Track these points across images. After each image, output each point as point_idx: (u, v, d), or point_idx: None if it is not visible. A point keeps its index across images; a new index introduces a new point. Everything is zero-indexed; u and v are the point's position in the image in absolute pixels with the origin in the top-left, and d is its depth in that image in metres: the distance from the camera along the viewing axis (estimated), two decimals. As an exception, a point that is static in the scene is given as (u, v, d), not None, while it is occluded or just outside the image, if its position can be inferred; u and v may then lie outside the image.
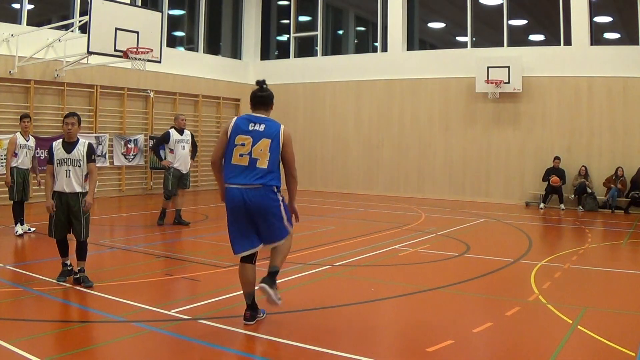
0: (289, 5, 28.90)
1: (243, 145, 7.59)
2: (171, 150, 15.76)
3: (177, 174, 15.80)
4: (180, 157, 15.81)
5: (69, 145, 9.40)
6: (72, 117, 9.42)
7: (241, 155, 7.52)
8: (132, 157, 23.39)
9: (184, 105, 25.64)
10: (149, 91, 23.98)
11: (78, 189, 9.35)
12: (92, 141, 21.43)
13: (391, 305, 8.92)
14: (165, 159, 15.86)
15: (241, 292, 7.75)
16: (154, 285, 9.65)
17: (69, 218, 9.36)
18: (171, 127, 16.00)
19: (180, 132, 15.95)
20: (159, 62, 20.04)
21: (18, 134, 14.08)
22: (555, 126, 22.37)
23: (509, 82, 22.53)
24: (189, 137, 16.20)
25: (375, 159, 25.58)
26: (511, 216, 18.91)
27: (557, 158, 21.54)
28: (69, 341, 6.91)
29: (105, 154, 22.31)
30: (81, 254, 9.45)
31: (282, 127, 8.02)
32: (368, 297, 9.12)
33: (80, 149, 9.42)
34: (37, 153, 17.67)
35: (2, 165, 16.06)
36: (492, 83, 22.66)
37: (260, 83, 8.38)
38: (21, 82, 19.73)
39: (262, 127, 7.85)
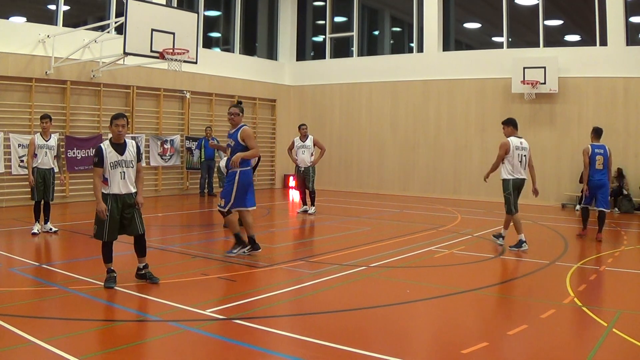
0: (325, 6, 28.95)
1: None
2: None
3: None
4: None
5: (120, 147, 9.38)
6: (122, 119, 9.37)
7: None
8: (169, 157, 23.54)
9: (219, 106, 25.77)
10: (185, 92, 24.13)
11: (132, 189, 9.45)
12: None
13: (426, 307, 8.93)
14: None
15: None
16: (189, 285, 9.72)
17: (122, 219, 9.39)
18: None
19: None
20: (195, 63, 20.17)
21: (37, 135, 14.20)
22: (591, 127, 22.07)
23: (544, 83, 22.40)
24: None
25: (411, 160, 25.54)
26: (547, 218, 18.80)
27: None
28: (103, 340, 7.02)
29: (142, 154, 22.43)
30: (141, 250, 9.67)
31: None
32: (403, 299, 9.14)
33: (131, 150, 9.47)
34: (73, 153, 17.91)
35: (25, 167, 16.17)
36: (528, 84, 22.54)
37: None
38: (57, 83, 19.95)
39: None
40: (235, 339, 7.05)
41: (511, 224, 13.69)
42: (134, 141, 9.63)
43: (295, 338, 7.17)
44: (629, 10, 21.83)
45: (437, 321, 8.31)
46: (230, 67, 26.57)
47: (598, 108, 22.08)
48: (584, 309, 8.43)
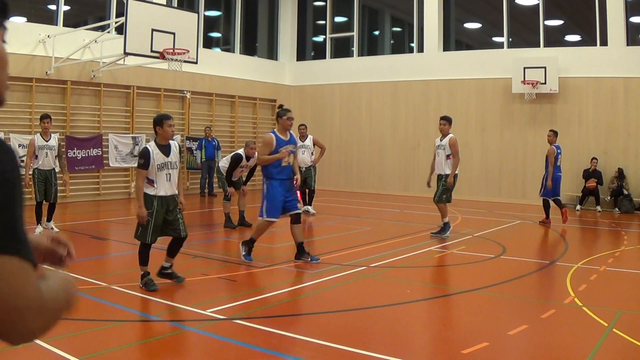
0: (325, 6, 28.95)
1: None
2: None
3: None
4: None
5: (165, 148, 9.37)
6: (172, 119, 9.43)
7: None
8: (169, 157, 23.52)
9: (220, 106, 25.80)
10: (185, 92, 24.13)
11: (176, 191, 9.49)
12: (128, 142, 21.70)
13: (426, 307, 8.95)
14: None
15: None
16: (190, 285, 9.73)
17: (165, 221, 9.36)
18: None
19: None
20: (196, 63, 20.18)
21: (37, 135, 14.11)
22: (591, 127, 22.21)
23: (545, 83, 22.40)
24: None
25: (411, 160, 25.54)
26: (547, 218, 18.81)
27: (594, 159, 21.38)
28: (104, 340, 7.02)
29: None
30: (175, 251, 9.63)
31: None
32: (404, 299, 9.15)
33: (175, 151, 9.49)
34: (73, 153, 17.86)
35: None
36: (528, 84, 22.55)
37: None
38: (58, 83, 19.95)
39: None
40: (236, 339, 7.06)
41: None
42: (175, 142, 9.62)
43: (296, 338, 7.18)
44: (630, 10, 21.82)
45: (438, 321, 8.33)
46: (230, 67, 26.57)
47: (598, 108, 22.09)
48: (585, 309, 8.43)
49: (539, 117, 23.11)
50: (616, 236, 16.18)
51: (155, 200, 9.19)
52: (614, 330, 7.46)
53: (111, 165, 21.50)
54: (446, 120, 15.13)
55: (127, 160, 21.86)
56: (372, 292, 9.92)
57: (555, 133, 17.90)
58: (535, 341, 7.17)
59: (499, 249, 13.43)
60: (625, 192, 20.91)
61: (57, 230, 14.27)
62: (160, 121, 9.26)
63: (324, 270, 10.81)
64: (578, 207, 21.42)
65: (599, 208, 20.88)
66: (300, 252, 11.62)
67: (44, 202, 14.05)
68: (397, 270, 11.34)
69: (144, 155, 9.13)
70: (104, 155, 21.11)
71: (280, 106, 12.83)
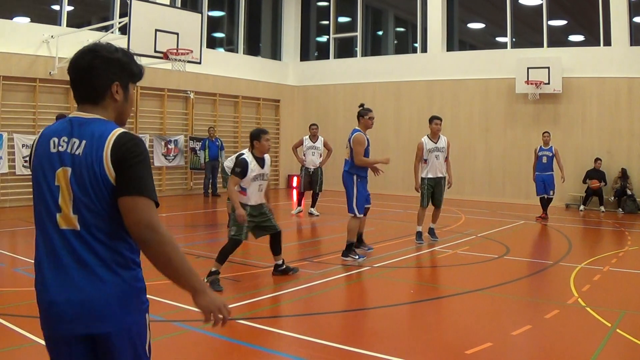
0: (329, 6, 28.95)
1: None
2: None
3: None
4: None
5: (261, 161, 9.90)
6: (269, 134, 10.18)
7: None
8: (173, 157, 23.56)
9: (223, 106, 25.82)
10: (189, 92, 24.14)
11: (264, 200, 10.06)
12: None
13: (430, 307, 8.95)
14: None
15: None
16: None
17: (257, 224, 9.91)
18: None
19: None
20: (199, 63, 20.16)
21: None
22: (595, 128, 22.19)
23: (548, 83, 22.38)
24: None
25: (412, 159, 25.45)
26: (551, 218, 18.77)
27: (598, 159, 21.35)
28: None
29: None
30: (278, 247, 10.20)
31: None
32: (407, 299, 9.17)
33: (268, 164, 10.06)
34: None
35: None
36: (532, 84, 22.53)
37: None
38: (61, 83, 19.91)
39: None
40: (239, 339, 7.06)
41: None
42: (268, 155, 10.13)
43: (300, 338, 7.19)
44: (633, 11, 21.81)
45: (441, 321, 8.33)
46: (234, 67, 26.58)
47: (602, 108, 22.06)
48: (588, 309, 8.43)
49: (542, 117, 23.09)
50: (620, 236, 16.15)
51: (245, 208, 9.64)
52: (618, 330, 7.46)
53: (114, 165, 21.46)
54: (441, 120, 15.04)
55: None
56: (375, 292, 9.93)
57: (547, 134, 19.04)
58: (539, 341, 7.17)
59: (503, 249, 13.43)
60: (629, 192, 20.88)
61: None
62: (258, 135, 9.88)
63: (328, 271, 10.82)
64: (582, 207, 21.40)
65: (602, 208, 20.86)
66: (359, 242, 12.57)
67: None
68: (401, 270, 11.35)
69: (242, 165, 9.65)
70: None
71: (361, 105, 13.60)
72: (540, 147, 18.92)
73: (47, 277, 3.13)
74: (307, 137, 18.71)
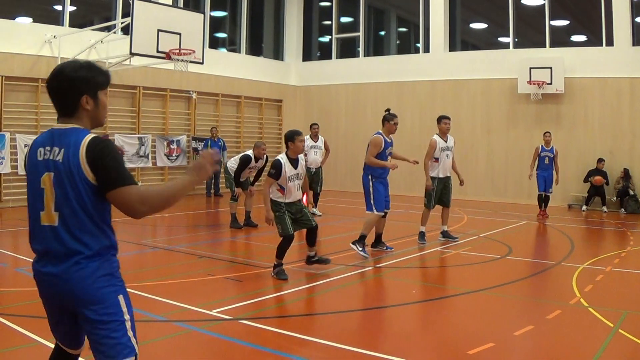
0: (331, 7, 28.95)
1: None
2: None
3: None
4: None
5: (295, 162, 10.34)
6: (303, 135, 10.54)
7: None
8: (175, 157, 23.56)
9: (226, 106, 25.84)
10: (191, 92, 24.15)
11: (300, 196, 10.63)
12: (134, 142, 21.70)
13: (432, 307, 8.95)
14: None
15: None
16: (195, 285, 9.75)
17: (296, 219, 10.40)
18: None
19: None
20: (202, 63, 20.15)
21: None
22: (597, 128, 22.18)
23: (551, 83, 22.38)
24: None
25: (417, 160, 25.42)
26: (553, 218, 18.79)
27: (601, 160, 21.34)
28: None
29: (148, 154, 22.50)
30: (313, 240, 10.76)
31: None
32: (409, 299, 9.16)
33: (302, 164, 10.52)
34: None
35: None
36: (534, 84, 22.53)
37: None
38: (64, 83, 19.89)
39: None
40: (242, 339, 7.07)
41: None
42: (302, 155, 10.55)
43: (302, 338, 7.18)
44: (635, 11, 21.79)
45: (443, 322, 8.32)
46: (236, 67, 26.59)
47: (604, 108, 22.05)
48: (590, 309, 8.43)
49: (544, 117, 23.08)
50: (622, 237, 16.13)
51: (284, 205, 10.23)
52: (620, 330, 7.45)
53: (117, 165, 21.44)
54: (450, 119, 15.01)
55: (133, 160, 21.87)
56: (377, 292, 9.94)
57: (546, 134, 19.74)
58: (541, 342, 7.16)
59: (505, 249, 13.42)
60: (631, 192, 20.87)
61: None
62: (292, 137, 10.28)
63: (330, 271, 10.82)
64: (584, 207, 21.39)
65: (604, 208, 20.85)
66: (378, 241, 13.10)
67: None
68: (403, 270, 11.35)
69: (277, 167, 10.09)
70: (110, 156, 21.04)
71: (387, 110, 13.63)
72: (542, 147, 19.28)
73: (38, 262, 3.84)
74: (308, 136, 18.65)
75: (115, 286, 3.89)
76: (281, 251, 10.26)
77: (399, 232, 15.64)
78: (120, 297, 3.91)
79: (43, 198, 3.75)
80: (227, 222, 16.13)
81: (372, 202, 12.41)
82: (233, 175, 15.63)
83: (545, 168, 19.27)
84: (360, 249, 12.17)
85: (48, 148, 3.80)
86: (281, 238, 10.28)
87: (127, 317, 3.96)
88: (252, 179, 16.33)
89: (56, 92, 4.02)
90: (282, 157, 10.24)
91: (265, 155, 15.66)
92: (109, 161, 3.67)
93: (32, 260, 3.88)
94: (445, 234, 14.47)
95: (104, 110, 4.09)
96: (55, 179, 3.70)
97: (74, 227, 3.72)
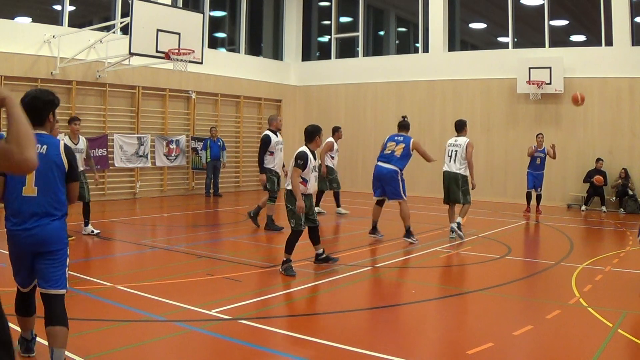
0: (330, 6, 28.94)
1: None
2: (271, 153, 15.19)
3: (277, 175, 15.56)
4: (278, 159, 15.48)
5: (314, 154, 10.84)
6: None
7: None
8: (174, 157, 23.55)
9: (225, 106, 25.82)
10: (190, 92, 24.14)
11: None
12: (133, 142, 21.68)
13: (431, 307, 8.96)
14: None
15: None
16: (194, 285, 9.75)
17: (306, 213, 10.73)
18: (268, 130, 15.57)
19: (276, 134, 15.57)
20: (201, 63, 20.17)
21: (65, 138, 13.54)
22: (596, 128, 22.17)
23: (550, 83, 22.37)
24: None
25: (416, 160, 25.36)
26: (552, 218, 18.80)
27: (599, 160, 21.34)
28: (109, 340, 7.03)
29: (147, 154, 22.49)
30: (317, 238, 11.01)
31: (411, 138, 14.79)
32: (408, 299, 9.16)
33: (317, 156, 11.08)
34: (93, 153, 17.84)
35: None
36: (533, 84, 22.53)
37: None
38: (63, 83, 19.93)
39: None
40: (241, 339, 7.07)
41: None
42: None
43: (301, 338, 7.19)
44: (635, 11, 21.78)
45: (443, 321, 8.33)
46: (235, 67, 26.58)
47: (603, 108, 22.04)
48: (590, 309, 8.43)
49: (544, 117, 23.08)
50: (621, 237, 16.14)
51: (304, 197, 10.47)
52: (619, 330, 7.46)
53: (116, 165, 21.48)
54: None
55: (132, 160, 21.88)
56: (377, 292, 9.94)
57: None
58: (540, 341, 7.17)
59: (504, 249, 13.43)
60: (631, 192, 20.87)
61: (98, 231, 14.19)
62: (319, 131, 10.87)
63: (330, 271, 10.82)
64: (583, 207, 21.39)
65: (604, 208, 20.86)
66: (374, 228, 14.70)
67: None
68: (402, 270, 11.36)
69: (304, 157, 10.47)
70: (109, 156, 21.08)
71: (404, 117, 16.03)
72: (535, 147, 20.09)
73: (12, 222, 5.62)
74: (332, 139, 18.73)
75: (66, 239, 5.87)
76: (291, 246, 10.48)
77: (398, 232, 15.65)
78: (67, 248, 5.86)
79: (25, 178, 5.58)
80: (226, 221, 16.15)
81: (402, 190, 14.37)
82: (274, 166, 15.21)
83: (536, 168, 19.97)
84: (412, 237, 13.90)
85: None
86: (291, 232, 10.56)
87: (68, 262, 5.87)
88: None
89: (34, 111, 5.58)
90: (306, 149, 10.62)
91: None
92: (75, 162, 5.92)
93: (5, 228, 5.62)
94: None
95: (54, 124, 6.03)
96: (40, 164, 4.97)
97: (49, 197, 5.65)
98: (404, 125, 15.61)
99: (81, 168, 13.79)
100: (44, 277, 5.70)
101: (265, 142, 15.10)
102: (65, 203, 5.82)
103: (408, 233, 13.95)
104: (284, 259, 10.47)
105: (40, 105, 5.79)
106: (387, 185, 14.38)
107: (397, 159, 14.56)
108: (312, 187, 10.79)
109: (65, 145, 5.82)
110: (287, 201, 10.43)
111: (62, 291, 5.77)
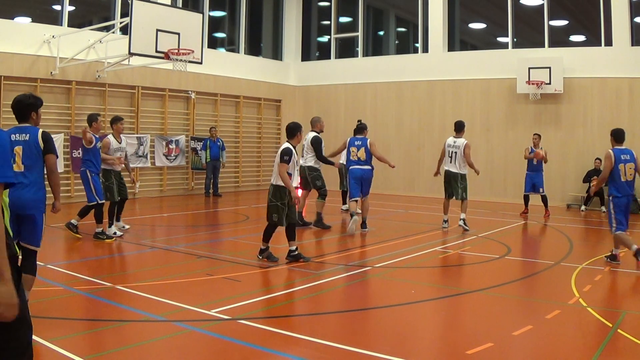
0: (330, 6, 28.95)
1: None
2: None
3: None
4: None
5: (296, 150, 11.39)
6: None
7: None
8: (174, 157, 23.55)
9: (225, 106, 25.82)
10: (190, 92, 24.13)
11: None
12: (133, 142, 21.66)
13: (431, 307, 8.95)
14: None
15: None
16: (194, 285, 9.75)
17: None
18: (312, 131, 16.36)
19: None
20: (200, 63, 20.16)
21: (111, 137, 14.20)
22: (596, 128, 22.16)
23: (550, 83, 22.37)
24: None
25: (416, 160, 25.48)
26: (552, 218, 18.79)
27: (598, 159, 21.31)
28: (109, 340, 7.04)
29: (147, 154, 22.48)
30: (293, 234, 11.44)
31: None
32: (408, 299, 9.16)
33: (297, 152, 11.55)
34: (78, 153, 17.89)
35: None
36: (533, 84, 22.53)
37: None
38: (63, 83, 19.94)
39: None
40: (241, 339, 7.07)
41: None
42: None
43: (300, 338, 7.18)
44: (634, 11, 21.79)
45: (442, 322, 8.33)
46: (235, 67, 26.58)
47: (603, 108, 22.04)
48: (589, 309, 8.43)
49: (543, 117, 23.08)
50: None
51: (286, 191, 11.07)
52: (619, 330, 7.46)
53: (116, 165, 21.46)
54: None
55: (131, 160, 21.84)
56: (376, 292, 9.93)
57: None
58: (540, 342, 7.17)
59: (504, 249, 13.43)
60: (630, 192, 20.83)
61: (128, 227, 14.65)
62: (300, 128, 11.57)
63: (329, 271, 10.83)
64: (583, 207, 21.38)
65: (603, 209, 20.80)
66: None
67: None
68: (402, 270, 11.35)
69: (289, 153, 11.10)
70: (109, 156, 21.05)
71: (359, 121, 17.10)
72: (531, 148, 19.88)
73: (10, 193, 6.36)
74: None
75: (44, 204, 7.55)
76: (268, 235, 11.37)
77: (397, 232, 15.66)
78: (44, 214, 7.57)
79: (15, 158, 7.39)
80: (226, 221, 16.15)
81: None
82: (319, 165, 16.12)
83: (533, 169, 19.82)
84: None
85: (18, 134, 7.56)
86: (269, 225, 11.35)
87: (44, 225, 7.49)
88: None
89: (19, 111, 7.64)
90: (289, 145, 11.25)
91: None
92: (51, 143, 7.63)
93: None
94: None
95: (39, 119, 7.73)
96: (24, 148, 7.48)
97: (33, 172, 7.49)
98: (360, 129, 16.58)
99: (118, 169, 14.24)
100: (24, 235, 7.48)
101: (318, 142, 15.99)
102: (43, 176, 7.69)
103: (365, 224, 15.54)
104: (262, 247, 11.41)
105: (23, 107, 7.64)
106: (365, 184, 15.96)
107: (367, 160, 15.98)
108: (295, 180, 11.43)
109: (42, 132, 7.65)
110: (272, 196, 11.02)
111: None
